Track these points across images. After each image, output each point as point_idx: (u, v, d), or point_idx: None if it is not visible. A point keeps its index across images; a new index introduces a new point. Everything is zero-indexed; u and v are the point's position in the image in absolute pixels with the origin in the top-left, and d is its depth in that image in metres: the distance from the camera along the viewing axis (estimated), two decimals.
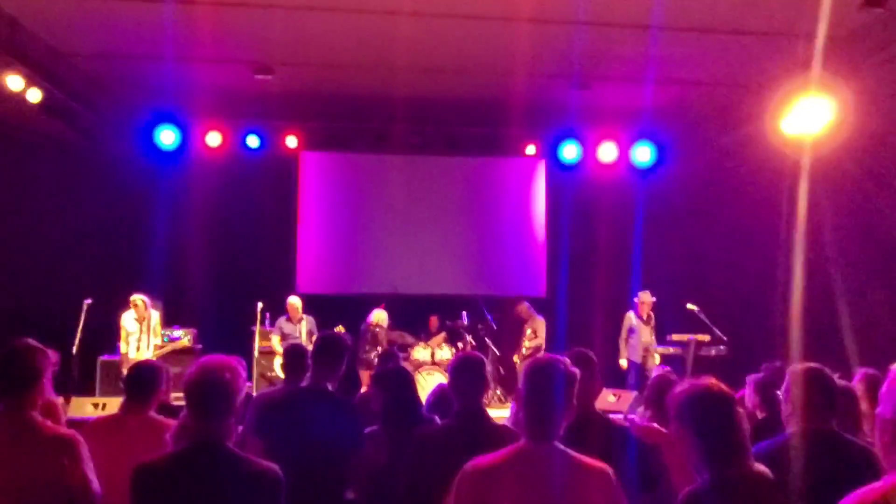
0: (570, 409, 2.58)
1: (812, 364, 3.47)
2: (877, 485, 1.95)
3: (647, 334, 10.42)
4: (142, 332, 9.39)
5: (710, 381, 2.61)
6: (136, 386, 4.02)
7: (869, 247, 10.19)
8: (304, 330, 10.11)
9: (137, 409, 3.94)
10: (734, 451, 2.45)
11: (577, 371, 2.63)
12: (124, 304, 9.55)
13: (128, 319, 9.46)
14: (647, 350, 10.39)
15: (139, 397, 3.97)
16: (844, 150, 10.48)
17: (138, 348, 9.32)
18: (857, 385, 4.71)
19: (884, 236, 9.98)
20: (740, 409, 2.55)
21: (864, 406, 4.45)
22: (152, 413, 3.95)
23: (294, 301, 10.32)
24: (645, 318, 10.50)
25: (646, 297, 10.53)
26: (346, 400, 4.26)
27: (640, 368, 10.34)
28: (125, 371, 8.52)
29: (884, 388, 2.04)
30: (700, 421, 2.47)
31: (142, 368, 4.18)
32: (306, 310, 10.51)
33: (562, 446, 2.52)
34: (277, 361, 9.83)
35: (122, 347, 9.43)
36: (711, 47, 8.75)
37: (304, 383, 4.29)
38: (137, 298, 9.42)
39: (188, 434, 3.12)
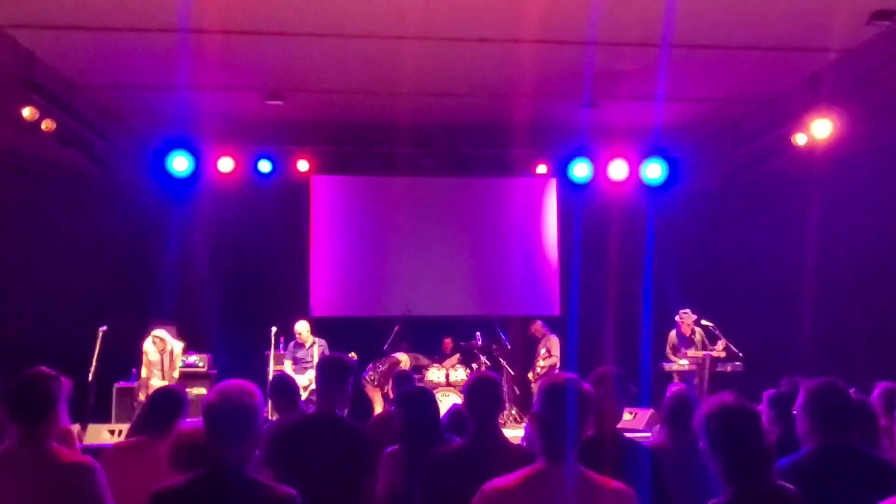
0: (585, 429, 2.57)
1: (827, 379, 3.44)
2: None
3: (690, 350, 10.37)
4: (163, 363, 9.42)
5: (735, 396, 2.63)
6: (159, 412, 4.01)
7: (883, 260, 10.14)
8: (316, 353, 10.06)
9: (160, 435, 3.91)
10: (757, 466, 2.45)
11: (592, 390, 2.63)
12: (141, 331, 9.60)
13: (151, 348, 9.50)
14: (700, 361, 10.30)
15: (161, 423, 3.95)
16: (856, 162, 10.46)
17: (163, 376, 9.34)
18: (877, 399, 4.67)
19: None
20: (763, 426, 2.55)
21: (883, 420, 4.42)
22: None
23: (300, 327, 10.22)
24: (688, 335, 10.46)
25: (687, 317, 10.52)
26: (356, 426, 4.20)
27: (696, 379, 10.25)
28: (142, 396, 8.60)
29: None
30: (724, 435, 2.48)
31: (166, 393, 4.17)
32: (320, 333, 10.51)
33: (581, 467, 2.51)
34: None
35: (143, 372, 9.46)
36: (721, 63, 8.77)
37: (312, 409, 4.20)
38: (156, 336, 9.46)
39: (186, 456, 3.13)
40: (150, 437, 3.98)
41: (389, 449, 4.07)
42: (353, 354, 9.63)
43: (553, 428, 2.52)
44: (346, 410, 6.06)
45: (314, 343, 10.14)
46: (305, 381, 9.78)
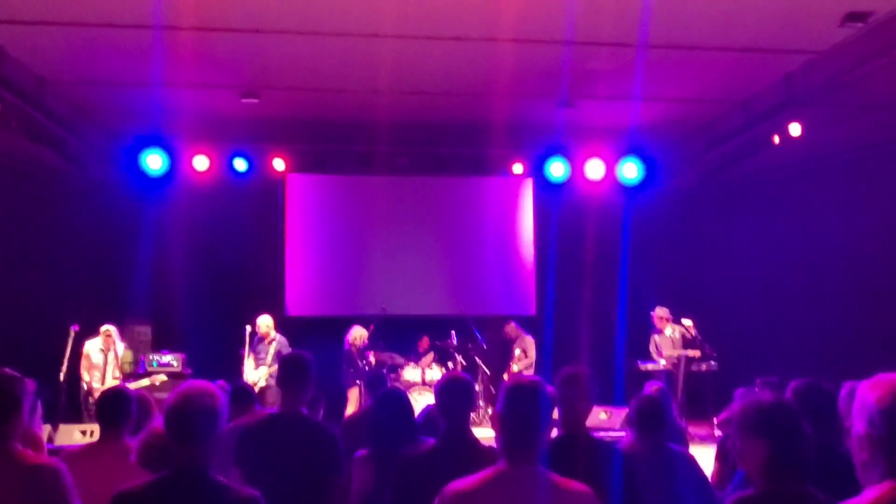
0: (549, 431, 2.57)
1: (811, 379, 3.49)
2: (856, 499, 1.95)
3: (668, 346, 10.39)
4: (106, 364, 9.32)
5: (777, 396, 2.66)
6: (108, 413, 3.89)
7: (858, 260, 10.24)
8: (271, 350, 9.87)
9: (113, 436, 3.83)
10: (797, 468, 2.45)
11: (556, 391, 2.63)
12: (93, 332, 9.49)
13: (93, 349, 9.39)
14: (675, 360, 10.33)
15: (112, 424, 3.85)
16: (830, 163, 10.57)
17: (103, 381, 9.24)
18: (845, 398, 4.71)
19: (872, 250, 10.04)
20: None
21: (849, 420, 4.45)
22: (127, 440, 3.82)
23: (261, 321, 10.05)
24: (662, 330, 10.50)
25: (661, 312, 10.56)
26: (322, 424, 4.15)
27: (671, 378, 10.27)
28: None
29: (854, 405, 2.04)
30: (775, 431, 2.47)
31: (110, 395, 4.03)
32: (296, 332, 10.44)
33: (542, 468, 2.50)
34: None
35: (85, 377, 9.38)
36: (696, 64, 8.81)
37: (277, 409, 4.12)
38: (110, 329, 9.37)
39: (155, 454, 3.07)
40: (101, 441, 3.89)
41: (358, 453, 4.04)
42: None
43: (515, 429, 2.52)
44: (322, 411, 6.05)
45: (273, 340, 10.02)
46: (258, 377, 9.70)
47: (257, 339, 10.06)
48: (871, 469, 1.97)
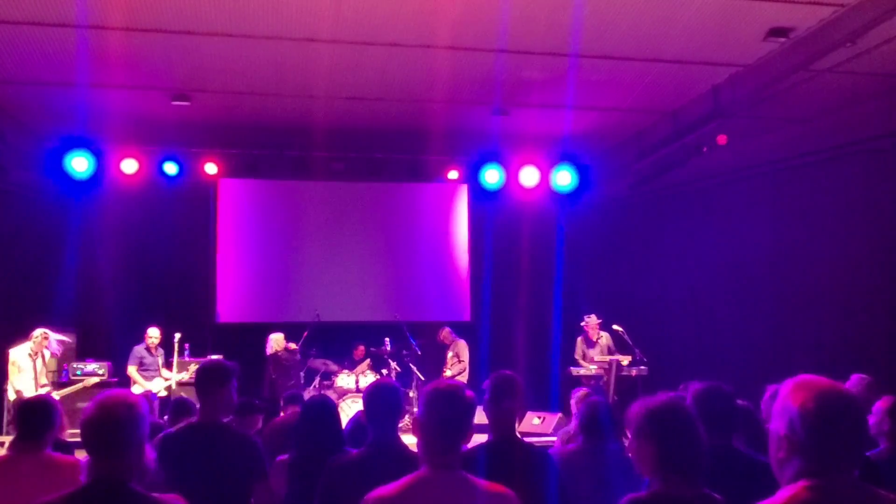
0: (469, 436, 2.58)
1: (712, 382, 3.58)
2: (771, 499, 2.00)
3: (596, 353, 10.50)
4: (36, 371, 8.95)
5: (680, 398, 2.66)
6: (29, 424, 3.72)
7: (781, 268, 10.54)
8: (161, 361, 9.82)
9: (31, 448, 3.66)
10: (689, 469, 2.46)
11: (474, 396, 2.64)
12: (17, 339, 9.13)
13: (20, 355, 8.98)
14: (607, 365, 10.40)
15: (33, 435, 3.68)
16: (755, 172, 10.87)
17: (36, 388, 8.84)
18: (768, 401, 4.84)
19: (794, 259, 10.34)
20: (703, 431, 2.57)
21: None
22: (48, 451, 3.69)
23: (152, 332, 9.92)
24: (595, 339, 10.59)
25: (590, 320, 10.66)
26: (240, 431, 4.08)
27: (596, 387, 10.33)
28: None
29: (775, 405, 2.09)
30: (665, 433, 2.47)
31: (34, 405, 3.86)
32: (227, 339, 10.28)
33: (462, 473, 2.51)
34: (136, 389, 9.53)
35: (16, 384, 8.96)
36: (626, 74, 8.96)
37: (196, 418, 4.01)
38: (47, 332, 9.01)
39: None
40: (19, 452, 3.69)
41: (279, 458, 4.00)
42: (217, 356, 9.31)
43: (435, 434, 2.53)
44: (261, 419, 5.95)
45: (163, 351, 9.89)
46: (156, 387, 9.54)
47: (146, 349, 9.89)
48: (786, 467, 2.02)
